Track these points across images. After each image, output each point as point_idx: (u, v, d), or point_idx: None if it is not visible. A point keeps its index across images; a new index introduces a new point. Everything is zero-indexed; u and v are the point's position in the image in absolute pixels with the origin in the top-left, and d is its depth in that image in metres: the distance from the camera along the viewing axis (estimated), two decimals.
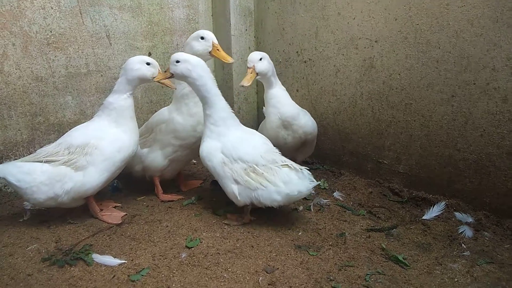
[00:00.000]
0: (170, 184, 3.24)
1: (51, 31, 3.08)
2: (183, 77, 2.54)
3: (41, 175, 2.42)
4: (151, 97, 3.69)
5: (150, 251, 2.29)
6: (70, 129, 3.22)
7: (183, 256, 2.23)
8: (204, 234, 2.47)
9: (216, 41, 2.78)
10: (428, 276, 2.05)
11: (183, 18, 3.76)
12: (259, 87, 4.06)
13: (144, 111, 3.64)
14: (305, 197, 2.76)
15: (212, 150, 2.57)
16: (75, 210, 2.78)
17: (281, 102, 2.99)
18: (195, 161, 3.78)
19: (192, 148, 2.93)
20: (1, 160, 3.02)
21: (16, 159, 3.07)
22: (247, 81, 2.78)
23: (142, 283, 2.00)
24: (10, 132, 3.03)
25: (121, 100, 2.60)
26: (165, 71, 2.62)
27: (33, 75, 3.06)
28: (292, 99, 3.08)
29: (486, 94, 2.41)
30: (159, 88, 3.70)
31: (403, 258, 2.17)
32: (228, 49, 3.77)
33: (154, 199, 3.03)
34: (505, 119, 2.36)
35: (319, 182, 2.60)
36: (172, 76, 2.59)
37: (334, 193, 3.01)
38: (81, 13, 3.17)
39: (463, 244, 2.32)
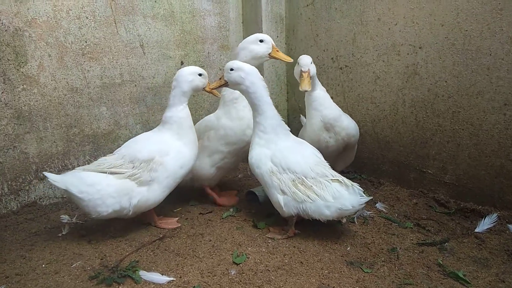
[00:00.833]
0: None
1: (86, 41, 3.04)
2: (237, 85, 2.55)
3: (107, 188, 2.37)
4: None
5: (197, 267, 2.21)
6: (104, 140, 3.24)
7: (232, 273, 2.15)
8: (249, 249, 2.40)
9: (274, 43, 2.82)
10: None
11: (215, 26, 3.71)
12: (289, 95, 3.99)
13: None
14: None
15: (262, 157, 2.54)
16: (115, 223, 2.74)
17: (323, 104, 2.92)
18: None
19: (239, 154, 2.94)
20: (37, 173, 2.98)
21: (51, 171, 3.04)
22: (308, 86, 2.73)
23: None
24: (45, 144, 2.99)
25: (179, 112, 2.62)
26: (220, 79, 2.65)
27: (68, 86, 3.02)
28: None
29: None
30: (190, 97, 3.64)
31: (463, 275, 2.08)
32: None
33: (192, 210, 2.97)
34: None
35: (370, 197, 2.49)
36: (226, 83, 2.60)
37: (377, 204, 2.92)
38: (115, 23, 3.13)
39: None
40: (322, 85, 3.32)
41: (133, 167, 2.46)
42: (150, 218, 2.70)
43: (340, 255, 2.32)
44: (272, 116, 2.56)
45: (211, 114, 3.01)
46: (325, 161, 2.58)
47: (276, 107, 3.99)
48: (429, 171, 2.94)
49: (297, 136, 2.97)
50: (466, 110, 2.65)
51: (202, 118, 3.05)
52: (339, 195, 2.35)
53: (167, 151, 2.53)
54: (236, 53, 2.87)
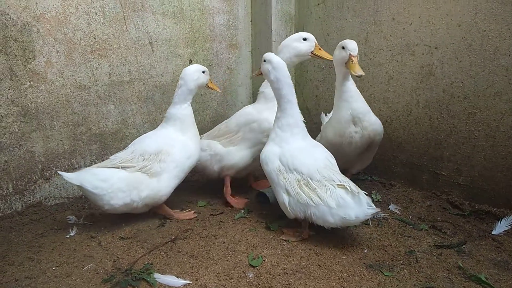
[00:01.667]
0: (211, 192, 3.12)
1: (94, 38, 2.97)
2: (266, 76, 2.59)
3: (118, 182, 2.46)
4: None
5: (212, 270, 2.16)
6: (111, 139, 3.18)
7: (250, 276, 2.10)
8: (264, 251, 2.34)
9: (317, 42, 2.83)
10: None
11: (223, 24, 3.66)
12: (297, 95, 3.94)
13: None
14: None
15: (271, 155, 2.54)
16: (124, 224, 2.67)
17: (354, 97, 2.78)
18: None
19: None
20: (43, 172, 2.90)
21: (57, 171, 2.96)
22: (361, 70, 2.58)
23: None
24: (52, 143, 2.91)
25: (183, 110, 2.72)
26: (260, 68, 2.68)
27: (76, 84, 2.95)
28: None
29: None
30: (198, 96, 3.58)
31: (485, 278, 2.04)
32: None
33: (202, 211, 2.91)
34: None
35: (378, 210, 2.34)
36: (261, 73, 2.66)
37: (390, 206, 2.88)
38: (124, 19, 3.07)
39: None
40: (332, 85, 3.29)
41: (143, 160, 2.55)
42: (165, 212, 2.74)
43: (357, 257, 2.28)
44: (291, 115, 2.54)
45: (248, 108, 3.06)
46: (337, 167, 2.51)
47: None
48: (443, 173, 2.91)
49: (318, 131, 2.93)
50: (482, 111, 2.63)
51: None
52: (343, 203, 2.26)
53: (173, 144, 2.64)
54: (279, 50, 2.88)
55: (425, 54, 2.85)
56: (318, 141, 2.78)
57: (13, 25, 2.63)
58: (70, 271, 2.15)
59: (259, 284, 2.03)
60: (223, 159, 3.00)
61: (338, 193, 2.28)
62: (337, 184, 2.32)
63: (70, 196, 3.06)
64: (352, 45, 2.63)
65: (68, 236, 2.56)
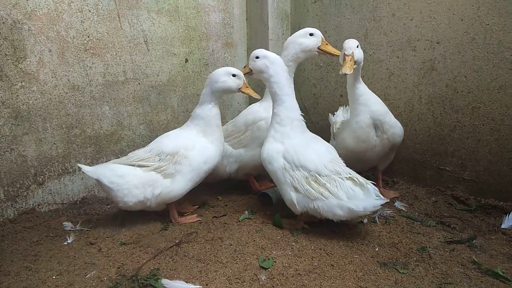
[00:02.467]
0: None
1: (88, 36, 2.85)
2: (260, 73, 2.55)
3: (134, 179, 2.49)
4: (187, 105, 3.48)
5: (222, 273, 2.07)
6: (106, 141, 3.06)
7: (262, 278, 2.02)
8: (274, 252, 2.27)
9: (323, 37, 2.78)
10: None
11: (219, 22, 3.58)
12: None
13: (180, 121, 3.42)
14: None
15: (274, 153, 2.50)
16: (124, 229, 2.56)
17: (371, 99, 2.66)
18: None
19: None
20: (35, 177, 2.76)
21: (51, 175, 2.83)
22: (349, 69, 2.42)
23: None
24: (45, 146, 2.78)
25: (207, 111, 2.65)
26: (244, 67, 2.66)
27: (69, 84, 2.82)
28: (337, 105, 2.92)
29: None
30: (195, 96, 3.50)
31: (502, 272, 2.01)
32: None
33: (204, 214, 2.82)
34: None
35: (387, 200, 2.39)
36: (251, 72, 2.61)
37: (395, 203, 2.84)
38: (119, 17, 2.96)
39: None
40: (331, 83, 3.25)
41: (159, 160, 2.54)
42: (172, 214, 2.69)
43: (370, 256, 2.23)
44: (291, 108, 2.53)
45: (255, 106, 3.04)
46: (340, 159, 2.50)
47: None
48: (447, 168, 2.89)
49: (318, 132, 2.87)
50: (487, 105, 2.62)
51: (230, 117, 3.04)
52: (353, 195, 2.27)
53: (191, 146, 2.59)
54: (285, 47, 2.84)
55: (427, 49, 2.83)
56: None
57: (3, 23, 2.50)
58: (72, 279, 2.03)
59: (273, 287, 1.96)
60: (235, 161, 3.01)
61: (347, 186, 2.29)
62: (345, 177, 2.32)
63: (65, 202, 2.92)
64: (347, 44, 2.55)
65: (65, 243, 2.44)
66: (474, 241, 2.34)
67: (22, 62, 2.60)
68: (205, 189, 3.22)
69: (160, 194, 2.53)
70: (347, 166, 2.44)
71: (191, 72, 3.45)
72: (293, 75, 2.81)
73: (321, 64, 3.54)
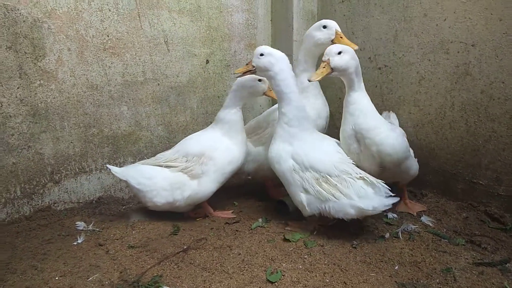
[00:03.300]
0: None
1: (108, 36, 2.85)
2: (265, 71, 2.48)
3: (162, 181, 2.55)
4: (206, 107, 3.42)
5: (227, 284, 1.96)
6: (124, 142, 3.04)
7: None
8: (283, 265, 2.14)
9: (339, 29, 2.67)
10: None
11: (242, 23, 3.49)
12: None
13: (199, 123, 3.36)
14: (388, 222, 2.60)
15: (283, 154, 2.45)
16: (134, 232, 2.52)
17: (361, 110, 2.44)
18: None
19: None
20: (52, 175, 2.78)
21: (68, 174, 2.84)
22: (315, 76, 2.37)
23: None
24: (62, 144, 2.79)
25: (232, 115, 2.69)
26: (247, 64, 2.57)
27: (88, 83, 2.82)
28: None
29: None
30: (215, 98, 3.43)
31: None
32: (289, 56, 3.45)
33: (217, 220, 2.73)
34: None
35: (398, 198, 2.33)
36: (254, 69, 2.53)
37: (422, 218, 2.63)
38: (139, 16, 2.93)
39: None
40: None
41: (186, 161, 2.58)
42: (207, 211, 2.77)
43: (388, 275, 2.05)
44: (299, 107, 2.46)
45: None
46: (348, 158, 2.47)
47: None
48: (481, 182, 2.65)
49: None
50: None
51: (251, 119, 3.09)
52: (364, 194, 2.26)
53: (216, 147, 2.62)
54: (303, 41, 2.81)
55: (460, 52, 2.62)
56: None
57: (23, 21, 2.52)
58: (74, 282, 1.99)
59: None
60: (253, 159, 2.93)
61: (358, 185, 2.28)
62: (356, 177, 2.31)
63: (81, 201, 2.92)
64: (327, 49, 2.43)
65: (75, 243, 2.42)
66: (508, 264, 2.11)
67: (41, 60, 2.62)
68: (222, 193, 3.14)
69: (189, 196, 2.58)
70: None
71: (212, 74, 3.39)
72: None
73: None
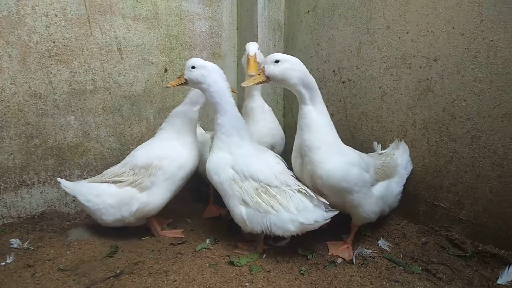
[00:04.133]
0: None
1: (53, 42, 2.69)
2: (198, 83, 2.41)
3: (109, 198, 2.44)
4: (164, 118, 3.23)
5: None
6: (70, 153, 2.87)
7: None
8: None
9: (252, 53, 2.62)
10: None
11: (205, 31, 3.35)
12: (286, 110, 3.59)
13: None
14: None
15: (222, 164, 2.31)
16: (69, 252, 2.34)
17: (308, 125, 2.22)
18: None
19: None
20: None
21: (7, 187, 2.67)
22: (246, 82, 2.27)
23: None
24: (1, 156, 2.62)
25: (185, 112, 2.63)
26: (179, 77, 2.50)
27: (30, 91, 2.66)
28: None
29: None
30: (173, 108, 3.26)
31: None
32: None
33: (162, 240, 2.56)
34: None
35: (336, 212, 2.24)
36: (186, 82, 2.45)
37: (379, 242, 2.48)
38: (89, 22, 2.78)
39: None
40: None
41: (133, 174, 2.48)
42: (153, 228, 2.64)
43: None
44: (235, 117, 2.37)
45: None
46: (290, 171, 2.38)
47: None
48: (442, 205, 2.50)
49: None
50: (488, 135, 2.22)
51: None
52: (303, 207, 2.18)
53: (164, 155, 2.50)
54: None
55: (422, 67, 2.48)
56: None
57: None
58: None
59: None
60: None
61: (297, 198, 2.22)
62: (295, 189, 2.24)
63: (21, 216, 2.75)
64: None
65: (3, 263, 2.24)
66: None
67: None
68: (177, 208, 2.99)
69: (138, 210, 2.46)
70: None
71: None
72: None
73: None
